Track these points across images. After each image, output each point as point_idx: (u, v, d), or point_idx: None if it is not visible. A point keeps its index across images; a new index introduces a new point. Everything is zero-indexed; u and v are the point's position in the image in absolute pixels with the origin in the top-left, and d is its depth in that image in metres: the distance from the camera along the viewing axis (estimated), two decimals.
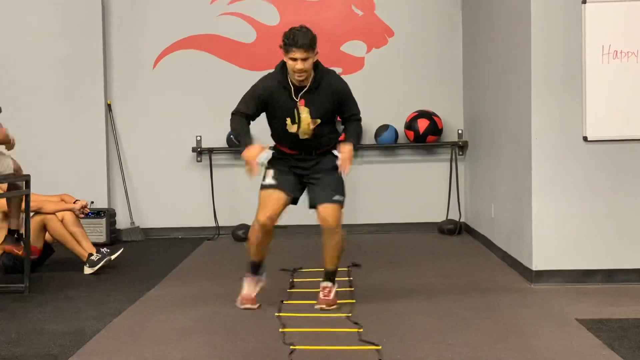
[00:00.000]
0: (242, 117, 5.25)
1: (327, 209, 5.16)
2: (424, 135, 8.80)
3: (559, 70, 5.87)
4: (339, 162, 5.16)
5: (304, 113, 5.13)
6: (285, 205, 5.25)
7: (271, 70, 5.30)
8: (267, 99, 5.18)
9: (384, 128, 8.89)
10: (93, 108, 8.98)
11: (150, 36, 9.11)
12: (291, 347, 4.32)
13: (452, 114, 9.06)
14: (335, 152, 5.23)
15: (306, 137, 5.18)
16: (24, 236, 6.18)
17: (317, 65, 5.17)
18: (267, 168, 5.23)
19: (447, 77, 9.09)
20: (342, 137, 5.35)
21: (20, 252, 6.14)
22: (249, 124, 5.29)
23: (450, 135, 9.08)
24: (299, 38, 4.98)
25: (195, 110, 9.13)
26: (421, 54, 9.12)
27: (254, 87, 5.27)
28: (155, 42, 9.11)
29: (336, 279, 5.42)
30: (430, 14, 9.10)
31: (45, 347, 4.47)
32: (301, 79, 5.09)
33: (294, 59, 5.01)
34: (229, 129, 8.82)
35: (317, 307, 5.24)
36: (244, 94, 5.31)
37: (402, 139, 9.00)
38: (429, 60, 9.11)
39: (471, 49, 8.58)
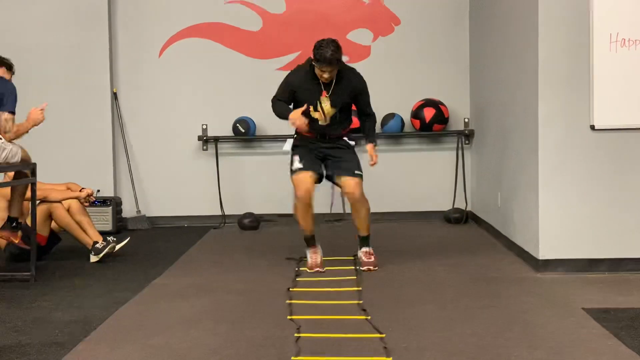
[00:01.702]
0: (280, 100, 6.12)
1: (351, 183, 6.06)
2: (430, 124, 8.78)
3: (566, 59, 5.85)
4: (352, 142, 6.21)
5: (326, 103, 6.03)
6: (314, 181, 6.10)
7: (300, 64, 6.21)
8: (296, 89, 6.07)
9: (390, 117, 8.87)
10: (99, 96, 8.98)
11: (156, 24, 9.09)
12: (296, 334, 4.33)
13: (459, 102, 9.03)
14: (346, 139, 6.19)
15: (325, 123, 6.07)
16: (22, 224, 6.19)
17: (340, 64, 6.00)
18: (293, 154, 6.13)
19: (453, 66, 9.06)
20: (353, 126, 6.29)
21: (16, 241, 6.11)
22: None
23: (456, 124, 9.06)
24: (328, 57, 5.82)
25: (201, 99, 9.12)
26: (428, 42, 9.09)
27: (286, 79, 6.17)
28: (161, 31, 9.09)
29: (342, 267, 5.82)
30: (437, 2, 9.06)
31: (51, 335, 4.48)
32: (327, 80, 6.00)
33: (323, 71, 5.92)
34: (234, 118, 8.94)
35: (363, 268, 6.08)
36: (279, 82, 6.19)
37: (408, 127, 8.98)
38: (436, 48, 9.08)
39: (478, 37, 8.55)
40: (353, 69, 6.19)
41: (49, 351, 4.17)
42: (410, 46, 9.08)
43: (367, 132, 6.34)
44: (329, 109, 6.05)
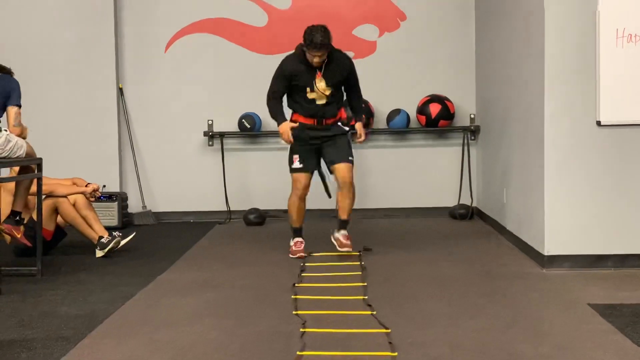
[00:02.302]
0: (275, 97, 6.46)
1: (344, 168, 6.42)
2: (436, 120, 8.77)
3: (572, 54, 5.83)
4: (345, 128, 6.58)
5: (321, 83, 6.36)
6: (310, 178, 6.57)
7: (289, 52, 6.49)
8: (291, 75, 6.39)
9: (395, 112, 8.86)
10: (105, 92, 8.98)
11: (162, 20, 9.10)
12: (301, 329, 4.33)
13: (465, 98, 9.02)
14: (339, 124, 6.54)
15: (322, 102, 6.40)
16: (25, 220, 6.19)
17: (331, 48, 6.32)
18: (293, 153, 6.49)
19: (459, 62, 9.04)
20: (342, 112, 6.64)
21: (18, 235, 6.08)
22: (282, 101, 6.50)
23: (462, 120, 9.05)
24: (318, 42, 6.14)
25: (207, 95, 9.12)
26: (434, 38, 9.08)
27: (278, 69, 6.46)
28: (167, 26, 9.10)
29: (347, 263, 5.89)
30: None
31: (57, 329, 4.49)
32: (318, 64, 6.31)
33: (313, 55, 6.22)
34: (240, 113, 8.94)
35: (343, 249, 6.47)
36: (272, 75, 6.49)
37: (413, 123, 8.97)
38: (442, 44, 9.07)
39: (484, 32, 8.53)
40: (340, 51, 6.51)
41: (55, 345, 4.18)
42: (416, 42, 9.07)
43: (355, 110, 6.70)
44: (325, 88, 6.36)
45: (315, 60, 6.26)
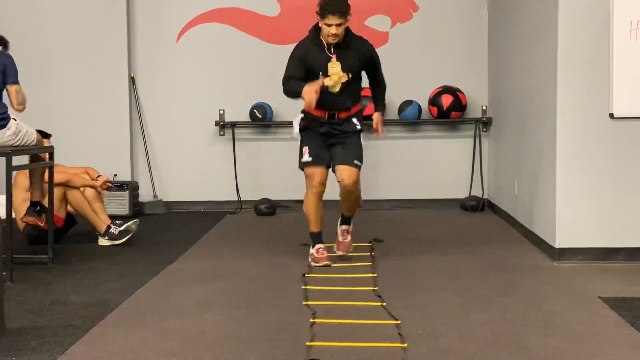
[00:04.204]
0: (292, 78, 5.78)
1: (346, 171, 5.78)
2: (448, 111, 8.74)
3: (585, 46, 5.80)
4: (358, 127, 5.87)
5: (336, 66, 5.68)
6: (326, 174, 5.90)
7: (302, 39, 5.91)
8: (304, 58, 5.76)
9: (407, 104, 8.84)
10: (116, 80, 8.99)
11: (173, 9, 9.09)
12: (311, 320, 4.33)
13: (477, 90, 8.99)
14: (355, 120, 5.86)
15: (336, 90, 5.69)
16: (46, 208, 6.21)
17: (347, 30, 5.74)
18: (303, 144, 5.87)
19: (472, 53, 9.01)
20: (358, 108, 5.95)
21: (42, 224, 6.15)
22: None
23: (474, 112, 9.02)
24: (335, 6, 5.58)
25: (219, 84, 9.11)
26: (446, 29, 9.04)
27: (292, 54, 5.85)
28: (178, 15, 9.09)
29: (357, 254, 5.75)
30: None
31: (67, 317, 4.51)
32: (334, 41, 5.67)
33: (329, 25, 5.59)
34: (252, 103, 8.92)
35: (337, 252, 6.04)
36: (284, 65, 5.87)
37: (425, 114, 8.95)
38: (454, 35, 9.03)
39: (496, 24, 8.49)
40: (362, 37, 5.92)
41: (65, 333, 4.19)
42: (429, 33, 9.04)
43: (377, 99, 6.09)
44: (341, 73, 5.68)
45: (333, 31, 5.58)
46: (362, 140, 5.92)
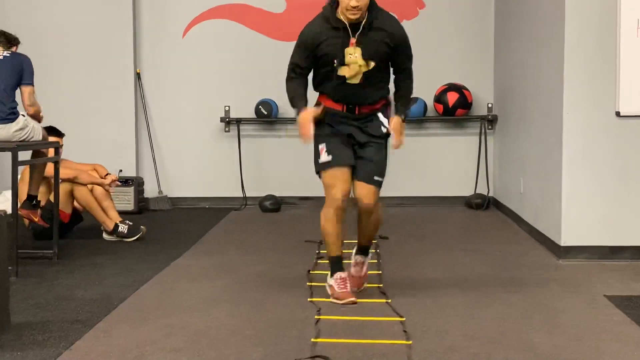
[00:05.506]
0: (296, 75, 4.72)
1: (365, 188, 4.67)
2: (454, 109, 8.74)
3: (592, 44, 5.79)
4: (384, 129, 4.73)
5: (356, 52, 4.55)
6: (350, 180, 4.68)
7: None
8: (314, 43, 4.63)
9: (413, 101, 8.82)
10: (122, 77, 9.00)
11: (179, 5, 9.10)
12: (316, 317, 4.33)
13: (482, 87, 8.98)
14: (380, 115, 4.73)
15: (355, 81, 4.60)
16: (42, 203, 6.21)
17: (372, 5, 4.61)
18: (319, 141, 4.69)
19: (477, 50, 9.00)
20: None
21: (36, 219, 6.14)
22: (305, 82, 4.73)
23: (479, 109, 9.01)
24: None
25: (224, 80, 9.11)
26: (452, 26, 9.03)
27: (300, 37, 4.73)
28: (184, 11, 9.10)
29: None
30: None
31: (73, 312, 4.51)
32: (355, 17, 4.50)
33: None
34: (257, 100, 8.92)
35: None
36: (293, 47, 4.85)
37: (431, 112, 8.94)
38: (460, 33, 9.03)
39: (503, 21, 8.48)
40: (389, 13, 4.73)
41: (71, 328, 4.20)
42: (435, 30, 9.03)
43: (399, 97, 4.79)
44: (362, 62, 4.57)
45: (352, 3, 4.43)
46: (388, 147, 4.81)
